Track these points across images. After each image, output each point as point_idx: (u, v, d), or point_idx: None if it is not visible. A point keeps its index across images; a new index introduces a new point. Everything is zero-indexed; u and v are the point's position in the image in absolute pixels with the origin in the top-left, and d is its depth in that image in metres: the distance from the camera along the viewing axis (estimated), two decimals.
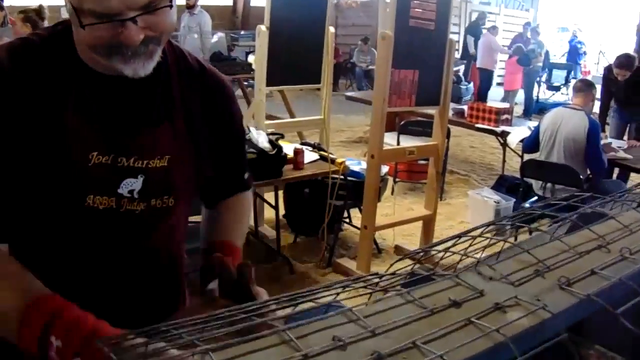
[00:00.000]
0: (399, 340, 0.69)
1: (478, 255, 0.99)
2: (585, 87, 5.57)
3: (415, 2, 4.55)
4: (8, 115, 1.20)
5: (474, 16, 17.10)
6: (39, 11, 6.38)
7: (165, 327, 0.78)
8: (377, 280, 0.97)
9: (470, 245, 1.01)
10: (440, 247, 1.03)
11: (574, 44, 17.13)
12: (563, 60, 17.91)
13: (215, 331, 0.76)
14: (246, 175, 1.74)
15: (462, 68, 14.84)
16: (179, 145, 1.38)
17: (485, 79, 13.45)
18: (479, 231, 1.02)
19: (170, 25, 1.25)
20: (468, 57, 14.96)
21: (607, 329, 0.91)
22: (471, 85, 13.73)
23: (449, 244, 0.99)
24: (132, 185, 1.30)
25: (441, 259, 1.05)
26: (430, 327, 0.72)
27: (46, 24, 6.09)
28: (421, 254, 1.03)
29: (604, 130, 6.90)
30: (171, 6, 1.21)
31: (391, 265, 1.02)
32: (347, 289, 0.93)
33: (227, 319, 0.81)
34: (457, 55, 14.48)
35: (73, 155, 1.24)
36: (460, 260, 1.02)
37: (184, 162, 1.39)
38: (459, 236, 1.01)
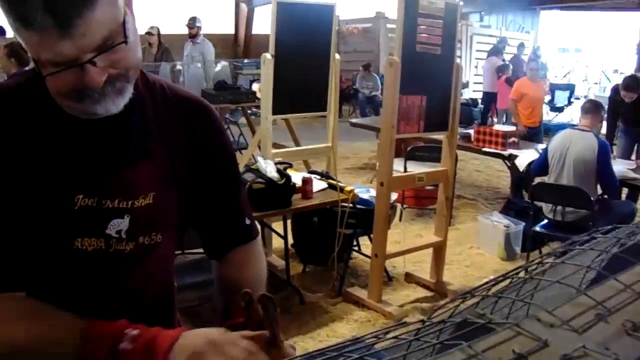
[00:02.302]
0: None
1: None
2: (593, 108, 5.54)
3: (421, 27, 4.53)
4: None
5: (475, 39, 17.13)
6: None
7: None
8: (420, 327, 0.90)
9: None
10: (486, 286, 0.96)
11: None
12: (565, 81, 17.93)
13: None
14: (247, 221, 1.63)
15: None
16: (162, 181, 1.37)
17: (488, 102, 13.43)
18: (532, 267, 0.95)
19: (134, 59, 1.24)
20: None
21: None
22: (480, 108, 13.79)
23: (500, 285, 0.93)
24: (120, 225, 1.30)
25: (478, 302, 0.99)
26: None
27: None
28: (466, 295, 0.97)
29: (612, 151, 6.86)
30: (126, 42, 1.18)
31: (435, 310, 0.95)
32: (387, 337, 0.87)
33: None
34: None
35: (58, 199, 1.25)
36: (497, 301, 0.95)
37: (169, 197, 1.39)
38: (510, 276, 0.94)
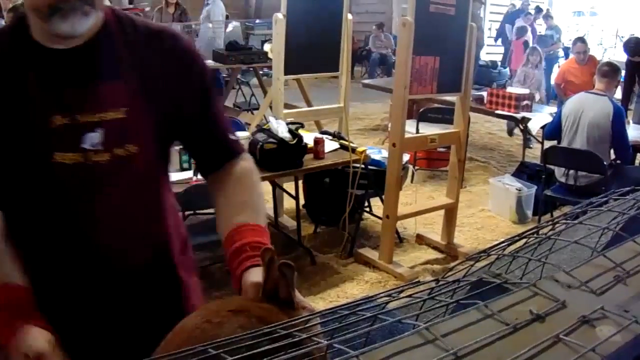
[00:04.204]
0: None
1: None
2: (611, 72, 5.45)
3: None
4: None
5: (489, 1, 16.90)
6: None
7: (202, 347, 0.75)
8: (434, 286, 0.90)
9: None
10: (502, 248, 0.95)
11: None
12: None
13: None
14: (232, 137, 1.71)
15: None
16: (133, 97, 1.47)
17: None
18: (547, 228, 0.94)
19: None
20: (507, 43, 14.80)
21: None
22: (507, 70, 13.64)
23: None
24: (94, 139, 1.42)
25: (493, 261, 0.98)
26: (517, 347, 0.65)
27: None
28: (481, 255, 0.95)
29: (626, 116, 6.80)
30: None
31: (449, 269, 0.94)
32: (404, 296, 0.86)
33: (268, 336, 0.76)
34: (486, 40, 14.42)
35: (36, 121, 1.39)
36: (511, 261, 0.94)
37: (141, 112, 1.48)
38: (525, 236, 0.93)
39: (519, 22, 13.50)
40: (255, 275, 1.30)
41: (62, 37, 1.38)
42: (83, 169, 1.42)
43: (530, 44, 11.75)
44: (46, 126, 1.39)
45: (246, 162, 1.69)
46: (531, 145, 8.25)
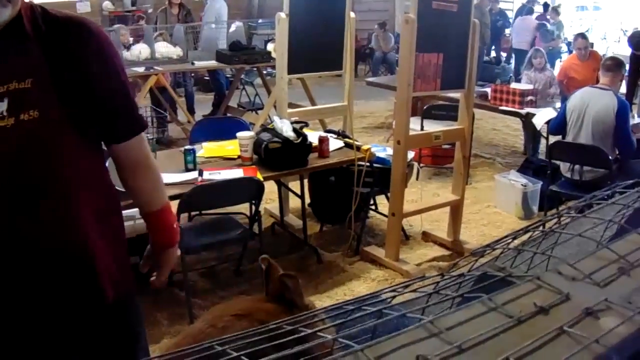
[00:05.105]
0: (490, 357, 0.62)
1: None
2: (615, 66, 5.43)
3: None
4: None
5: None
6: None
7: (208, 344, 0.77)
8: (438, 280, 0.90)
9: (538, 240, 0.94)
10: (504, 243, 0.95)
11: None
12: None
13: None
14: (133, 111, 1.95)
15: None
16: (38, 71, 1.66)
17: (520, 60, 13.41)
18: (552, 222, 0.94)
19: None
20: None
21: None
22: (511, 65, 13.66)
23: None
24: (1, 107, 1.62)
25: (499, 255, 0.98)
26: (521, 339, 0.65)
27: None
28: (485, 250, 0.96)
29: (631, 110, 6.77)
30: None
31: (454, 264, 0.95)
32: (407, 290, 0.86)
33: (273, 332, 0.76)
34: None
35: None
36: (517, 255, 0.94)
37: (46, 84, 1.67)
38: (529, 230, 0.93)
39: (528, 20, 13.55)
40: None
41: None
42: None
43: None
44: None
45: (140, 137, 1.96)
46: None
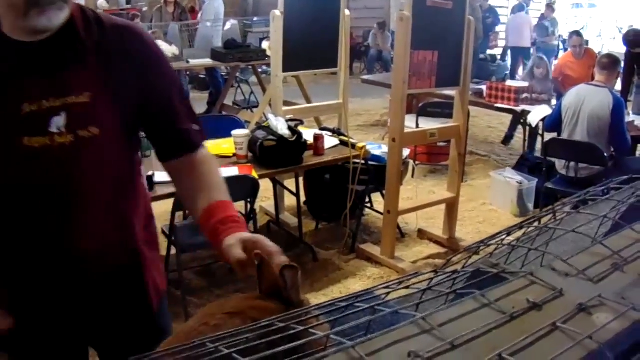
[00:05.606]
0: (482, 353, 0.61)
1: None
2: (611, 65, 5.43)
3: None
4: None
5: None
6: None
7: (200, 342, 0.77)
8: (432, 277, 0.90)
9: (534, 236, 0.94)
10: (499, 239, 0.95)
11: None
12: None
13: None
14: (195, 127, 1.79)
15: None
16: (96, 84, 1.56)
17: (517, 58, 13.43)
18: (546, 218, 0.94)
19: None
20: None
21: None
22: (506, 63, 13.67)
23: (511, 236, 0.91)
24: (59, 122, 1.51)
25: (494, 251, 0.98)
26: (514, 335, 0.65)
27: None
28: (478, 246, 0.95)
29: (626, 107, 6.78)
30: None
31: (448, 260, 0.94)
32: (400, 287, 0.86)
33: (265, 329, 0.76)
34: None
35: (7, 109, 1.47)
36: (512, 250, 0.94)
37: (105, 99, 1.57)
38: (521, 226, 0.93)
39: (522, 17, 13.58)
40: (232, 238, 1.49)
41: (38, 31, 1.46)
42: (49, 150, 1.50)
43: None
44: (17, 114, 1.47)
45: (204, 152, 1.79)
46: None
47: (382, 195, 5.12)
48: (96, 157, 1.58)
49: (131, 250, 1.76)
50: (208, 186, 1.70)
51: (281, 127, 4.34)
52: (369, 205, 5.65)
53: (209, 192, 1.68)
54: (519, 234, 1.00)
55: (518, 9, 14.44)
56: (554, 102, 7.02)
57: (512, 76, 12.21)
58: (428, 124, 6.28)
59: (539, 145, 7.56)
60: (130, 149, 1.73)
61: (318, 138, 4.62)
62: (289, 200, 5.70)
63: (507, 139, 8.74)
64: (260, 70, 9.79)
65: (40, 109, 1.49)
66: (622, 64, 6.83)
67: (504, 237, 0.98)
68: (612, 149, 5.41)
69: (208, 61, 8.99)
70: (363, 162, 4.80)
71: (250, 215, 4.20)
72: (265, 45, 9.39)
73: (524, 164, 6.67)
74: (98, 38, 1.58)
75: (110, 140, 1.60)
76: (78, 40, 1.55)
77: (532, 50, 13.22)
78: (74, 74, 1.53)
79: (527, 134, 7.86)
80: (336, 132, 5.11)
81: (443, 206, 5.37)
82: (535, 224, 0.99)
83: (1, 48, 1.48)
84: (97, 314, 1.73)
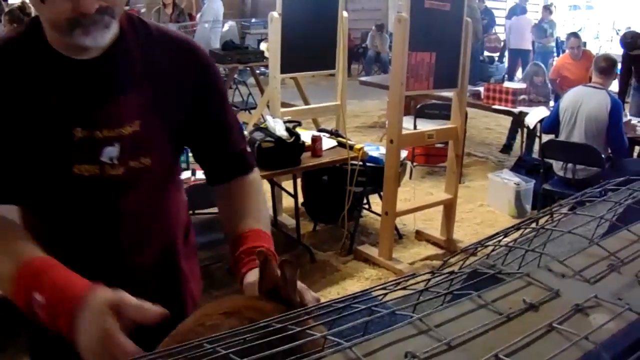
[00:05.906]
0: (479, 354, 0.61)
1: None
2: (609, 67, 5.43)
3: None
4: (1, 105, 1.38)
5: None
6: (22, 8, 6.34)
7: (198, 342, 0.77)
8: (429, 278, 0.90)
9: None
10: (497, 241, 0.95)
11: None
12: None
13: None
14: (246, 149, 1.73)
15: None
16: (146, 109, 1.48)
17: (516, 59, 13.45)
18: (543, 219, 0.94)
19: None
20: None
21: None
22: (504, 64, 13.69)
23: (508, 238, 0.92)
24: (111, 152, 1.44)
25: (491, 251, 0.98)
26: (510, 336, 0.65)
27: None
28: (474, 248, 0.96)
29: (623, 109, 6.79)
30: None
31: (445, 262, 0.94)
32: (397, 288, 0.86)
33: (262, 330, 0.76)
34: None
35: (60, 133, 1.40)
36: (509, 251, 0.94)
37: (154, 124, 1.49)
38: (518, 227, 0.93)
39: (522, 19, 13.61)
40: (253, 275, 1.36)
41: (85, 49, 1.37)
42: (99, 181, 1.44)
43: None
44: (68, 139, 1.40)
45: (255, 174, 1.72)
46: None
47: (380, 197, 5.13)
48: (146, 188, 1.53)
49: (172, 266, 1.72)
50: (248, 212, 1.60)
51: (279, 128, 4.34)
52: (366, 206, 5.66)
53: (247, 218, 1.58)
54: (516, 235, 1.00)
55: (520, 11, 14.41)
56: (551, 103, 7.02)
57: (510, 78, 12.23)
58: (426, 126, 6.29)
59: (536, 147, 7.57)
60: (176, 168, 1.69)
61: (316, 139, 4.62)
62: (287, 202, 5.70)
63: (506, 148, 8.60)
64: (258, 71, 9.80)
65: (92, 136, 1.42)
66: (620, 66, 6.84)
67: (501, 238, 0.98)
68: (610, 151, 5.42)
69: None
70: (361, 163, 4.80)
71: None
72: (263, 46, 9.41)
73: (522, 166, 6.68)
74: (148, 55, 1.50)
75: (161, 170, 1.55)
76: (128, 60, 1.47)
77: (531, 55, 13.20)
78: (126, 100, 1.45)
79: (525, 135, 7.87)
80: (334, 134, 5.12)
81: (441, 207, 5.38)
82: (533, 225, 0.99)
83: (51, 64, 1.40)
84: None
